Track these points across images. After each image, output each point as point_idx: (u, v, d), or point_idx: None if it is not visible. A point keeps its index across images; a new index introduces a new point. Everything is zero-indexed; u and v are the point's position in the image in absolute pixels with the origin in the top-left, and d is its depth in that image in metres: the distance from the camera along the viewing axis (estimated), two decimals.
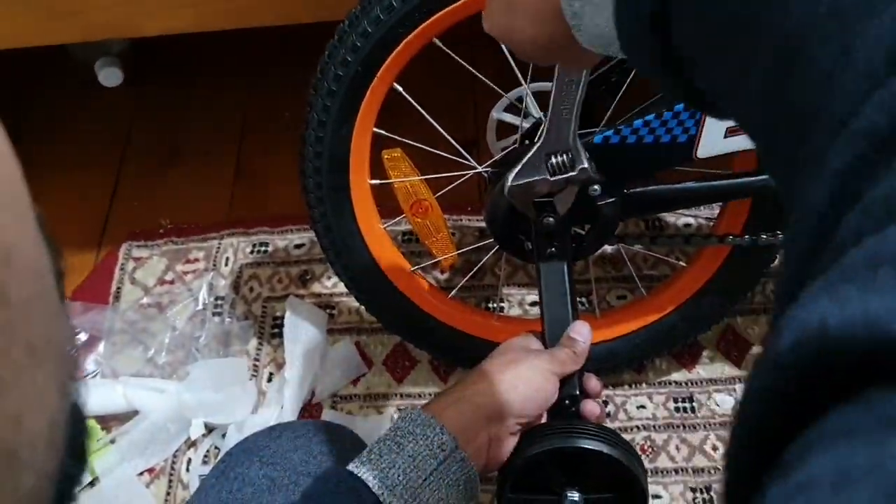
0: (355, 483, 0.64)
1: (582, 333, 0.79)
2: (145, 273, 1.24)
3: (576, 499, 0.74)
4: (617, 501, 0.74)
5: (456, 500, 0.67)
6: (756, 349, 1.10)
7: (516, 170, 0.82)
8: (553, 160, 0.81)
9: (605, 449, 0.71)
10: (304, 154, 0.93)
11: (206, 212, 1.31)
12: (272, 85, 1.43)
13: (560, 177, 0.81)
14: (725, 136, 0.82)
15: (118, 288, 1.23)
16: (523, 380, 0.71)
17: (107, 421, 1.08)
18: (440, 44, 0.88)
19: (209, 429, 1.07)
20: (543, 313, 0.84)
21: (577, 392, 0.77)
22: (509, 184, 0.82)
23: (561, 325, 0.83)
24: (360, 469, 0.65)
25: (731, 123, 0.82)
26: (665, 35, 0.36)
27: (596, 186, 0.85)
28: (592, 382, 0.78)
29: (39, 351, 0.22)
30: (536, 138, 0.82)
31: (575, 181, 0.81)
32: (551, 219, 0.84)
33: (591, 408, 0.79)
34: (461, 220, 1.25)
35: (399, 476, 0.64)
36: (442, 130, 0.94)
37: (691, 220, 1.20)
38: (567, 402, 0.78)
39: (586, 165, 0.80)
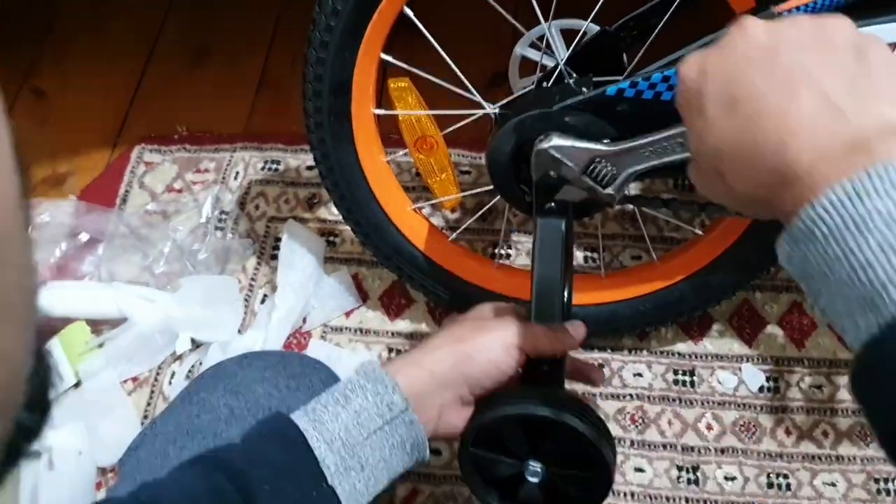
0: (292, 433, 0.62)
1: (577, 331, 0.73)
2: (154, 178, 1.22)
3: (538, 469, 0.70)
4: (581, 480, 0.70)
5: (400, 461, 0.65)
6: (771, 329, 1.04)
7: (564, 143, 0.75)
8: (598, 165, 0.74)
9: (574, 423, 0.67)
10: (306, 75, 0.88)
11: (224, 121, 1.28)
12: None
13: (587, 180, 0.75)
14: None
15: (126, 191, 1.21)
16: (483, 350, 0.67)
17: (97, 325, 1.08)
18: None
19: (196, 344, 1.06)
20: (533, 272, 0.79)
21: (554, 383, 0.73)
22: (549, 145, 0.75)
23: (550, 286, 0.78)
24: (301, 419, 0.63)
25: None
26: None
27: (606, 141, 0.78)
28: (595, 375, 0.73)
29: (5, 304, 0.21)
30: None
31: (594, 194, 0.75)
32: (554, 178, 0.78)
33: (596, 376, 0.76)
34: (479, 157, 1.19)
35: (339, 430, 0.62)
36: (452, 64, 0.88)
37: None
38: (546, 366, 0.74)
39: (615, 195, 0.74)
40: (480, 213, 1.04)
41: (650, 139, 0.71)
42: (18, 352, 0.22)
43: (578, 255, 1.11)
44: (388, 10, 0.83)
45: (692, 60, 0.46)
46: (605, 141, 0.75)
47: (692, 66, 0.46)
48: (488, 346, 0.67)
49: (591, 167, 0.75)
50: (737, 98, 0.42)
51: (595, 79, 0.85)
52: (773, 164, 0.40)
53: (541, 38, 0.92)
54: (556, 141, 0.76)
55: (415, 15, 0.85)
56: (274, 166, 1.22)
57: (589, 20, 0.86)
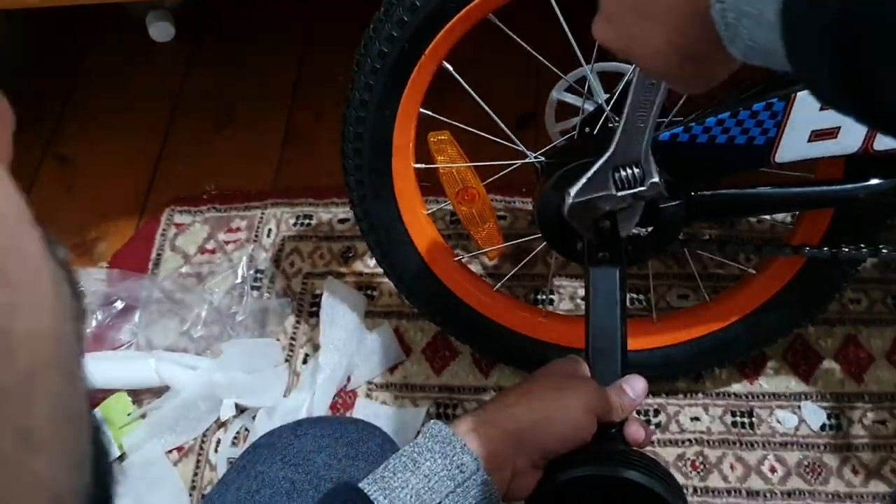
0: (363, 502, 0.59)
1: (636, 389, 0.71)
2: (186, 240, 1.21)
3: None
4: None
5: None
6: (827, 364, 1.01)
7: (578, 185, 0.74)
8: (621, 173, 0.72)
9: (644, 480, 0.65)
10: (345, 134, 0.87)
11: (252, 178, 1.27)
12: (328, 45, 1.36)
13: (627, 192, 0.73)
14: (810, 140, 0.73)
15: (158, 255, 1.20)
16: (562, 413, 0.65)
17: (139, 395, 1.06)
18: (496, 20, 0.80)
19: (240, 409, 1.04)
20: (588, 324, 0.77)
21: (617, 441, 0.70)
22: (570, 201, 0.74)
23: (607, 338, 0.76)
24: (370, 487, 0.61)
25: (816, 126, 0.72)
26: (845, 49, 0.31)
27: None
28: (634, 430, 0.71)
29: (38, 435, 0.21)
30: (603, 143, 0.74)
31: (644, 196, 0.73)
32: (608, 222, 0.76)
33: (635, 430, 0.72)
34: (514, 202, 1.17)
35: (410, 497, 0.60)
36: (493, 115, 0.87)
37: (767, 217, 1.10)
38: (613, 428, 0.72)
39: (657, 179, 0.72)
40: (525, 261, 1.02)
41: (627, 108, 0.69)
42: (61, 477, 0.22)
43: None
44: (428, 66, 0.82)
45: (596, 22, 0.46)
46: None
47: (598, 25, 0.46)
48: (567, 408, 0.65)
49: (618, 179, 0.73)
50: (640, 5, 0.43)
51: None
52: None
53: (578, 81, 0.91)
54: (575, 188, 0.74)
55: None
56: (306, 221, 1.20)
57: (634, 65, 0.84)
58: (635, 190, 0.73)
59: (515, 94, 1.27)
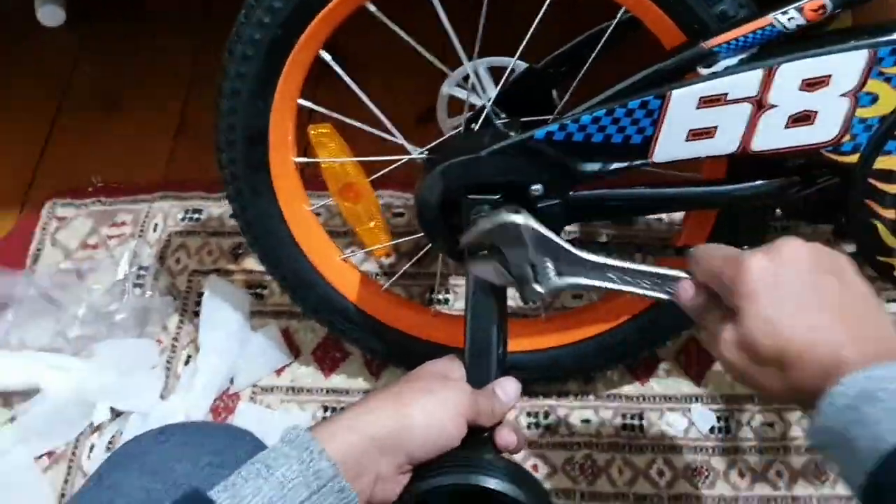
0: None
1: (508, 392, 0.69)
2: (68, 234, 1.15)
3: None
4: None
5: None
6: (719, 366, 1.00)
7: (541, 229, 0.69)
8: (549, 262, 0.69)
9: (507, 489, 0.63)
10: (218, 125, 0.83)
11: (141, 170, 1.21)
12: (225, 31, 1.31)
13: (526, 269, 0.70)
14: (687, 140, 0.71)
15: (38, 250, 1.14)
16: (429, 418, 0.62)
17: (8, 396, 1.00)
18: (374, 9, 0.77)
19: (116, 413, 0.99)
20: (467, 324, 0.75)
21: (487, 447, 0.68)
22: (520, 221, 0.69)
23: (484, 341, 0.73)
24: (220, 495, 0.57)
25: (693, 125, 0.70)
26: None
27: (537, 185, 0.74)
28: (505, 434, 0.68)
29: None
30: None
31: (521, 283, 0.70)
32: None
33: (505, 435, 0.70)
34: (411, 199, 1.14)
35: None
36: (374, 108, 0.83)
37: (664, 217, 1.09)
38: (484, 433, 0.69)
39: (543, 294, 0.70)
40: (416, 258, 0.99)
41: (632, 267, 0.66)
42: None
43: (517, 296, 1.06)
44: (303, 55, 0.79)
45: (725, 342, 0.56)
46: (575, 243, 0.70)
47: (729, 349, 0.56)
48: (434, 413, 0.62)
49: (540, 261, 0.70)
50: (808, 305, 0.54)
51: (524, 119, 0.81)
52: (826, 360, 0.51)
53: (468, 76, 0.89)
54: (534, 224, 0.70)
55: (335, 58, 0.81)
56: (195, 216, 1.16)
57: (516, 58, 0.82)
58: (529, 276, 0.70)
59: (420, 87, 1.24)
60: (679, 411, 0.98)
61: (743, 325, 0.55)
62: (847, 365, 0.50)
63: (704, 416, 0.97)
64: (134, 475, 0.70)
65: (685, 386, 1.00)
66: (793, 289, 0.54)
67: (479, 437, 0.68)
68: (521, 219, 0.70)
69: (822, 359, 0.51)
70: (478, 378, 0.71)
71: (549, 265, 0.70)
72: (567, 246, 0.69)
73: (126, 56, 1.32)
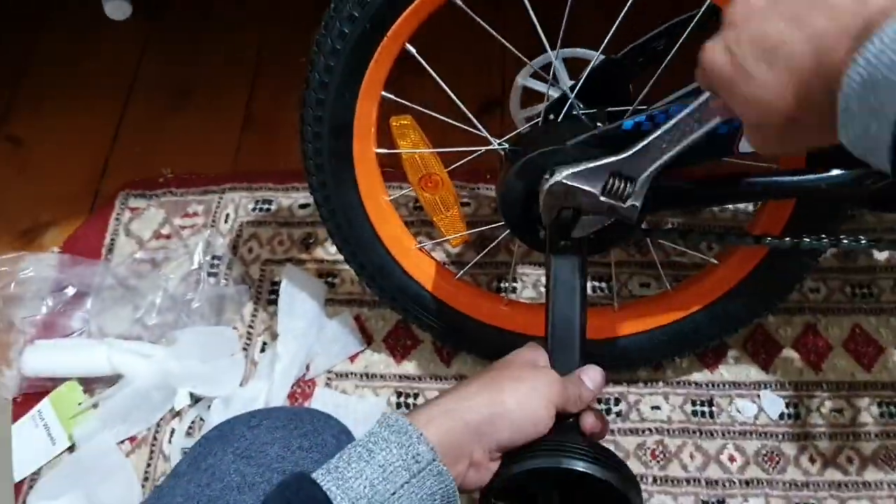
0: (316, 493, 0.58)
1: (594, 380, 0.71)
2: (141, 225, 1.18)
3: None
4: None
5: None
6: (786, 353, 1.02)
7: (572, 169, 0.72)
8: (613, 181, 0.72)
9: (596, 472, 0.65)
10: (304, 117, 0.85)
11: (209, 162, 1.24)
12: (289, 25, 1.33)
13: (607, 200, 0.72)
14: None
15: (112, 240, 1.17)
16: (521, 405, 0.64)
17: (90, 383, 1.03)
18: (460, 2, 0.79)
19: (195, 399, 1.01)
20: (548, 312, 0.76)
21: (574, 432, 0.70)
22: (555, 179, 0.73)
23: (567, 328, 0.75)
24: (324, 478, 0.59)
25: None
26: None
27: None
28: (590, 420, 0.70)
29: None
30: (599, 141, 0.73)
31: (617, 213, 0.72)
32: (569, 215, 0.75)
33: (591, 421, 0.72)
34: (478, 188, 1.16)
35: (364, 488, 0.58)
36: (457, 100, 0.85)
37: (729, 207, 1.10)
38: (570, 418, 0.71)
39: (637, 205, 0.71)
40: (487, 249, 1.01)
41: (665, 128, 0.68)
42: None
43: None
44: (390, 48, 0.80)
45: (712, 46, 0.49)
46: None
47: (715, 50, 0.49)
48: (526, 400, 0.64)
49: (607, 184, 0.72)
50: (769, 49, 0.45)
51: (608, 109, 0.83)
52: (815, 65, 0.43)
53: (544, 67, 0.90)
54: (568, 170, 0.73)
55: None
56: (265, 206, 1.18)
57: (600, 50, 0.83)
58: (614, 203, 0.72)
59: (480, 79, 1.26)
60: (748, 398, 0.99)
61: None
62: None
63: (774, 402, 0.98)
64: (228, 458, 0.72)
65: (754, 372, 1.01)
66: (748, 52, 0.46)
67: (565, 423, 0.70)
68: (556, 176, 0.73)
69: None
70: (563, 366, 0.73)
71: (617, 182, 0.72)
72: (610, 158, 0.72)
73: (192, 50, 1.35)
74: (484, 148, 0.87)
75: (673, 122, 0.68)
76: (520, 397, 0.65)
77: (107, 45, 1.36)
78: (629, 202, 0.72)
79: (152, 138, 1.27)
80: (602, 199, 0.73)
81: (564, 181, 0.74)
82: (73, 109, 1.30)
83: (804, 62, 0.43)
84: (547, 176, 0.75)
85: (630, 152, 0.71)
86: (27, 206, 1.21)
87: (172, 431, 1.00)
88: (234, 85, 1.31)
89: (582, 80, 0.83)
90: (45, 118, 1.30)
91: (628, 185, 0.72)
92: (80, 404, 1.01)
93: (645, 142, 0.70)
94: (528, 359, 0.72)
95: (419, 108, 0.87)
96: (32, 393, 1.03)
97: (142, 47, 1.36)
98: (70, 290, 1.09)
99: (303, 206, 1.17)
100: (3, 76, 1.34)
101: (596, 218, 0.75)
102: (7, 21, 1.38)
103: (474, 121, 0.86)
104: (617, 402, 1.00)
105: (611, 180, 0.72)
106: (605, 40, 0.81)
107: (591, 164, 0.73)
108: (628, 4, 0.75)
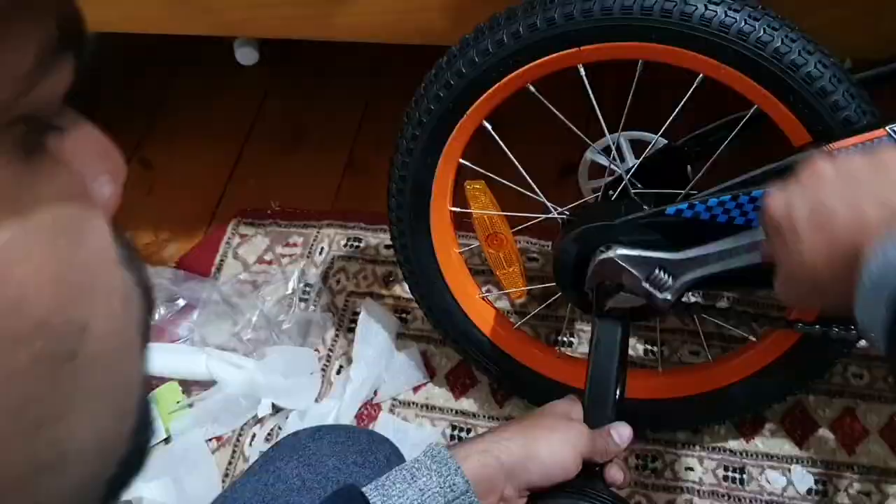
0: None
1: (622, 436, 0.78)
2: (248, 250, 1.33)
3: None
4: None
5: None
6: (822, 432, 1.07)
7: (629, 251, 0.82)
8: (659, 273, 0.81)
9: None
10: (391, 175, 0.97)
11: (313, 198, 1.38)
12: (395, 83, 1.47)
13: (647, 287, 0.81)
14: None
15: (221, 260, 1.32)
16: (551, 452, 0.72)
17: (189, 385, 1.18)
18: (533, 89, 0.89)
19: (276, 409, 1.14)
20: (588, 371, 0.85)
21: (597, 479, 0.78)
22: (612, 255, 0.82)
23: (603, 386, 0.84)
24: (372, 493, 0.69)
25: None
26: None
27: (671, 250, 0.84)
28: (614, 471, 0.78)
29: (101, 394, 0.26)
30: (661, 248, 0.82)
31: (651, 299, 0.82)
32: (610, 288, 0.85)
33: (615, 472, 0.80)
34: (548, 246, 1.26)
35: None
36: (524, 172, 0.96)
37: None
38: (597, 467, 0.79)
39: (671, 299, 0.80)
40: (547, 303, 1.11)
41: (718, 247, 0.77)
42: (108, 430, 0.27)
43: (639, 348, 1.16)
44: (469, 124, 0.92)
45: (778, 197, 0.56)
46: (671, 250, 0.81)
47: (779, 201, 0.56)
48: (557, 449, 0.72)
49: (653, 274, 0.81)
50: (821, 218, 0.53)
51: (658, 191, 0.91)
52: (850, 246, 0.50)
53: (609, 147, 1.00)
54: (623, 251, 0.83)
55: (491, 122, 0.94)
56: (356, 244, 1.31)
57: (659, 134, 0.92)
58: (652, 291, 0.81)
59: (564, 147, 1.35)
60: (779, 470, 1.05)
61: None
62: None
63: (804, 478, 1.03)
64: (293, 465, 0.83)
65: (788, 447, 1.06)
66: (804, 214, 0.54)
67: (591, 470, 0.78)
68: (610, 253, 0.82)
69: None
70: (596, 419, 0.81)
71: (661, 275, 0.81)
72: (662, 254, 0.80)
73: (308, 95, 1.51)
74: (544, 216, 0.98)
75: (728, 244, 0.76)
76: (551, 446, 0.73)
77: (234, 87, 1.54)
78: (664, 294, 0.81)
79: (265, 173, 1.43)
80: (644, 284, 0.82)
81: (617, 259, 0.83)
82: (199, 142, 1.47)
83: (844, 240, 0.50)
84: (603, 248, 0.85)
85: (684, 256, 0.79)
86: (151, 223, 1.38)
87: (254, 436, 1.14)
88: (343, 130, 1.45)
89: (638, 162, 0.93)
90: (175, 147, 1.47)
91: (670, 279, 0.81)
92: (178, 402, 1.15)
93: (700, 252, 0.78)
94: (563, 411, 0.81)
95: (492, 175, 0.98)
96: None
97: (265, 91, 1.53)
98: (181, 302, 1.24)
99: (388, 247, 1.30)
100: (143, 107, 1.53)
101: (632, 297, 0.84)
102: (150, 60, 1.57)
103: (536, 189, 0.96)
104: (654, 459, 1.07)
105: (657, 272, 0.81)
106: (664, 126, 0.90)
107: (646, 254, 0.82)
108: (689, 93, 0.84)
